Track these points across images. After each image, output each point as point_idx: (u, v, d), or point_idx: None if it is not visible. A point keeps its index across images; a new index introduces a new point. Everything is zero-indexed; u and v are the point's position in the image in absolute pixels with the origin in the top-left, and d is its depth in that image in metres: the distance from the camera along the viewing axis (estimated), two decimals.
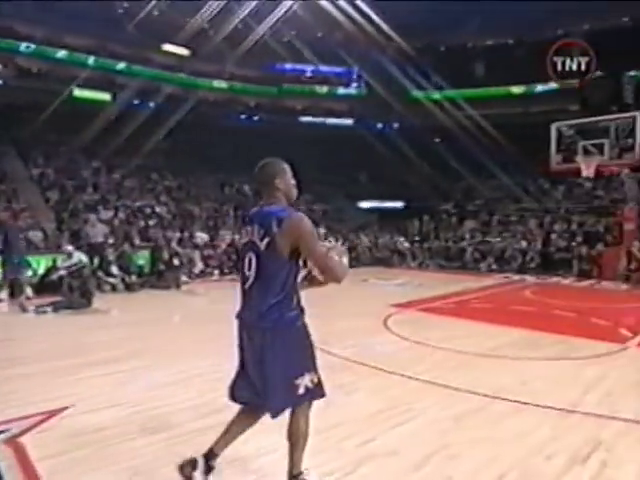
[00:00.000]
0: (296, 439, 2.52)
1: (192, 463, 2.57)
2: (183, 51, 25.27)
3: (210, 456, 2.59)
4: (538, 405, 3.89)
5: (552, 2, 21.15)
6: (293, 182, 2.59)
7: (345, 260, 2.49)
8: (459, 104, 26.68)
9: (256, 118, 28.59)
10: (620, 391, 4.24)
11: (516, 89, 26.83)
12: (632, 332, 6.41)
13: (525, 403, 3.93)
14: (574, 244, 14.46)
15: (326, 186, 26.12)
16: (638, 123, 11.54)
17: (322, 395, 2.53)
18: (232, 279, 12.57)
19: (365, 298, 9.98)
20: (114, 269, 10.89)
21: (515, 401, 3.97)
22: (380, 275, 14.04)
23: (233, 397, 2.63)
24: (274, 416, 2.45)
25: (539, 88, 26.64)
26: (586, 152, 12.16)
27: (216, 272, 13.62)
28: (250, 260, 2.44)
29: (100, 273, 10.63)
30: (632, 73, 12.70)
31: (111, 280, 10.68)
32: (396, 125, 29.71)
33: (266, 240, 2.38)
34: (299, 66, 29.95)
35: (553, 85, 25.89)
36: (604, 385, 4.39)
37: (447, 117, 26.90)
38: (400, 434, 3.39)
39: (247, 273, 2.46)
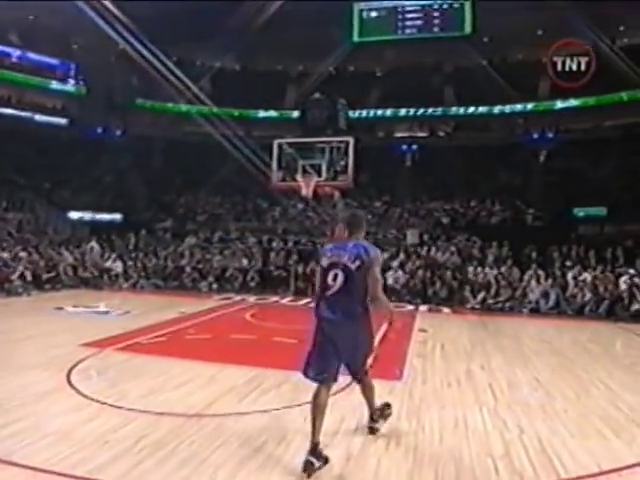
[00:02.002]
0: (371, 395, 3.85)
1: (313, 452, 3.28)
2: None
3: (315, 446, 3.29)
4: None
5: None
6: None
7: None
8: (186, 119, 26.18)
9: None
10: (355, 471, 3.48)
11: (237, 112, 27.51)
12: None
13: None
14: (290, 262, 14.82)
15: (27, 191, 21.78)
16: (350, 148, 12.48)
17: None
18: None
19: (51, 336, 7.55)
20: None
21: None
22: (82, 300, 11.53)
23: (318, 379, 3.49)
24: (356, 378, 3.74)
25: (261, 114, 28.02)
26: (305, 172, 12.52)
27: None
28: (335, 275, 3.41)
29: None
30: (343, 101, 13.86)
31: None
32: (118, 132, 27.48)
33: (357, 263, 3.40)
34: (2, 48, 24.95)
35: (274, 113, 27.94)
36: (343, 443, 3.63)
37: (174, 130, 25.91)
38: None
39: (330, 283, 3.44)
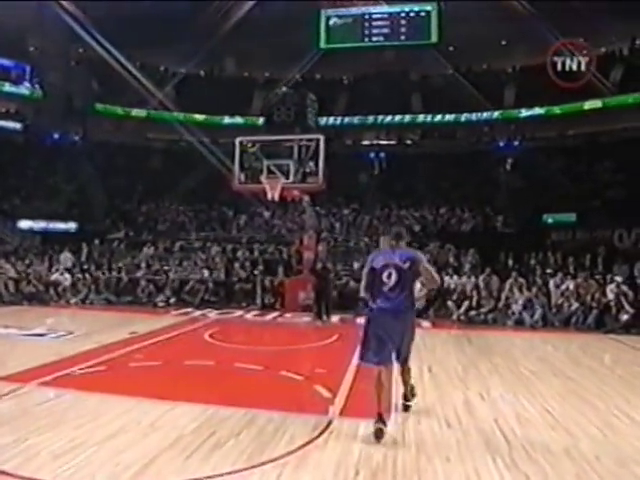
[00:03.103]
0: (408, 378, 4.62)
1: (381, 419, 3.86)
2: None
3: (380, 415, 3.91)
4: None
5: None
6: None
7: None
8: (149, 125, 25.65)
9: None
10: None
11: (199, 117, 26.46)
12: (330, 391, 5.07)
13: None
14: (256, 273, 13.77)
15: None
16: (321, 146, 11.48)
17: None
18: None
19: None
20: None
21: None
22: (20, 319, 10.28)
23: (379, 362, 4.06)
24: (401, 362, 4.44)
25: (226, 120, 27.07)
26: (271, 173, 11.48)
27: None
28: (390, 274, 4.14)
29: None
30: (312, 96, 13.00)
31: None
32: (77, 138, 26.25)
33: (408, 264, 4.16)
34: None
35: (239, 119, 27.02)
36: None
37: (136, 136, 25.32)
38: None
39: (385, 281, 4.16)
